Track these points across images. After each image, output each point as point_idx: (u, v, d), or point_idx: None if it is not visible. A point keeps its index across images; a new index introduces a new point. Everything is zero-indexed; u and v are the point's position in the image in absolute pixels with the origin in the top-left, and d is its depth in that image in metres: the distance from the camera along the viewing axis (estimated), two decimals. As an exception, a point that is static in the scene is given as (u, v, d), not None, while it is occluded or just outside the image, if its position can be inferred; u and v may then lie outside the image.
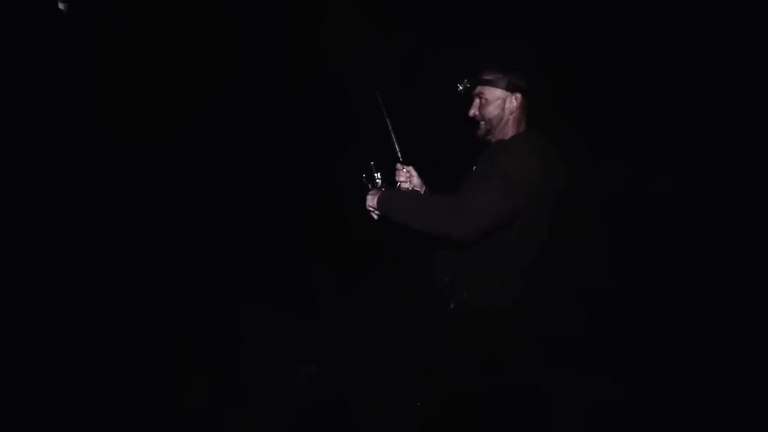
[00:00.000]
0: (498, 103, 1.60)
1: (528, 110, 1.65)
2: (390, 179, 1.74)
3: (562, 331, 2.54)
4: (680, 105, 3.30)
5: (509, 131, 1.63)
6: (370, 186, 1.69)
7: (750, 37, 3.03)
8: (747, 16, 2.99)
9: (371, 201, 1.62)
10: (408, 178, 1.75)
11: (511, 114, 1.61)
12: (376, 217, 1.64)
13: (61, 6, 1.66)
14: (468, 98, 1.67)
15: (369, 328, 3.20)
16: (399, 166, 1.76)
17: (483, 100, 1.61)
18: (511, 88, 1.59)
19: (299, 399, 2.55)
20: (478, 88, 1.62)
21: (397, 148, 1.76)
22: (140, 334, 2.95)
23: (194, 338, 3.00)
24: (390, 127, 1.74)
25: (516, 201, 1.44)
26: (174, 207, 3.76)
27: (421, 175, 1.79)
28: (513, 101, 1.60)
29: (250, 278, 3.64)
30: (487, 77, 1.60)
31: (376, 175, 1.69)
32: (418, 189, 1.75)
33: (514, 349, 1.54)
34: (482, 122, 1.64)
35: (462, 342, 1.60)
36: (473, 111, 1.65)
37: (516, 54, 1.67)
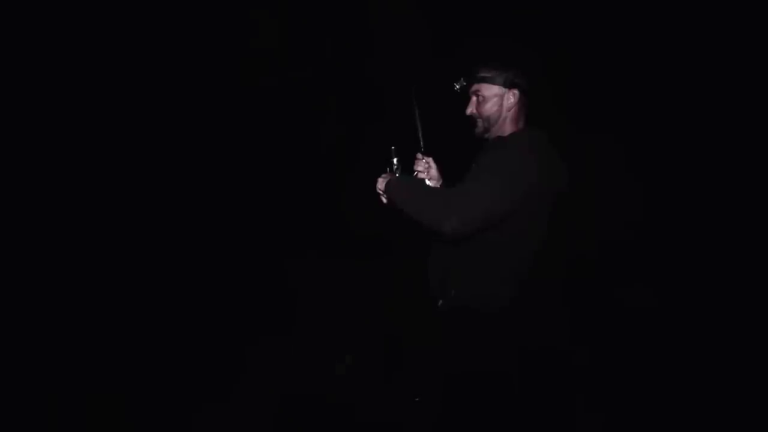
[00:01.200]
0: (495, 101, 1.59)
1: (527, 109, 1.63)
2: (410, 168, 1.75)
3: (555, 337, 2.52)
4: (681, 104, 3.29)
5: (507, 129, 1.62)
6: (387, 170, 1.69)
7: (750, 37, 3.02)
8: (747, 16, 2.99)
9: (380, 184, 1.63)
10: (426, 169, 1.74)
11: (509, 111, 1.60)
12: (385, 200, 1.64)
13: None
14: (466, 96, 1.65)
15: (367, 325, 3.20)
16: (419, 156, 1.76)
17: (480, 97, 1.60)
18: (508, 85, 1.58)
19: (298, 397, 2.55)
20: (475, 86, 1.61)
21: (421, 139, 1.76)
22: (139, 335, 2.95)
23: (194, 338, 3.00)
24: (417, 117, 1.75)
25: (511, 198, 1.42)
26: (176, 203, 3.76)
27: (440, 169, 1.78)
28: (510, 98, 1.59)
29: (246, 278, 3.64)
30: (484, 74, 1.59)
31: (393, 160, 1.69)
32: (434, 181, 1.74)
33: (500, 350, 1.51)
34: (479, 120, 1.62)
35: (449, 340, 1.58)
36: (470, 109, 1.63)
37: (513, 51, 1.66)
